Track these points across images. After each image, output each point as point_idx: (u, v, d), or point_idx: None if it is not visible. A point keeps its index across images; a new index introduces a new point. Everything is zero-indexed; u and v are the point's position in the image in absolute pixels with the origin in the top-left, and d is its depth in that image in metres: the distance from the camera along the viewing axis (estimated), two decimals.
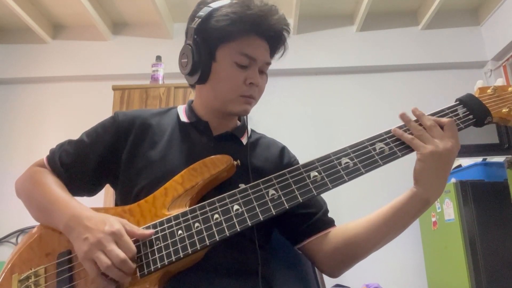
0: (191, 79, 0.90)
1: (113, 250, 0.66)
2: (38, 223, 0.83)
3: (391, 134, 0.81)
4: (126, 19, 3.20)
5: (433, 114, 0.83)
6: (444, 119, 0.79)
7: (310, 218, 0.90)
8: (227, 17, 0.84)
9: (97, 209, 0.80)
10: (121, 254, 0.66)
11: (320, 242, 0.88)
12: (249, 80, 0.86)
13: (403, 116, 0.80)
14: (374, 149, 0.79)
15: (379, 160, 0.78)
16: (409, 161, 0.81)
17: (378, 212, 0.83)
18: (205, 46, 0.87)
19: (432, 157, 0.74)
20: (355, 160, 0.78)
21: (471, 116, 0.82)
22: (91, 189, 0.93)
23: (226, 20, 0.84)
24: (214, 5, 0.86)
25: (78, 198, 0.85)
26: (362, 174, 0.77)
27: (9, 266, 0.76)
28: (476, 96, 0.86)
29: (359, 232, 0.83)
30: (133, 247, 0.69)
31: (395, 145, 0.79)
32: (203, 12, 0.86)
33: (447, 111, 0.84)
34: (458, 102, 0.85)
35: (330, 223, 0.92)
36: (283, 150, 1.00)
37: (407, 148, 0.79)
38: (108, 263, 0.65)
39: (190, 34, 0.88)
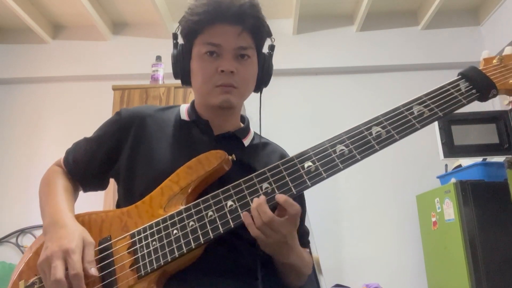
0: (180, 82, 0.93)
1: (55, 267, 0.68)
2: (38, 224, 0.84)
3: (388, 116, 0.77)
4: (126, 19, 3.20)
5: (434, 91, 0.79)
6: (292, 208, 0.71)
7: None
8: (190, 15, 0.86)
9: (97, 212, 0.82)
10: (58, 274, 0.67)
11: None
12: (220, 67, 0.85)
13: (245, 216, 0.73)
14: (371, 134, 0.76)
15: (376, 145, 0.74)
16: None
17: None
18: (184, 48, 0.91)
19: (266, 246, 0.75)
20: (351, 147, 0.75)
21: (474, 91, 0.77)
22: (100, 184, 0.97)
23: (190, 18, 0.86)
24: (190, 5, 0.89)
25: (93, 193, 0.94)
26: (358, 161, 0.74)
27: (17, 272, 0.77)
28: (481, 68, 0.79)
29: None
30: (78, 267, 0.68)
31: (392, 127, 0.75)
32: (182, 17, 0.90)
33: (448, 87, 0.79)
34: (460, 76, 0.80)
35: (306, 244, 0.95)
36: (282, 156, 0.99)
37: (405, 130, 0.75)
38: (48, 281, 0.68)
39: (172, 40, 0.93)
